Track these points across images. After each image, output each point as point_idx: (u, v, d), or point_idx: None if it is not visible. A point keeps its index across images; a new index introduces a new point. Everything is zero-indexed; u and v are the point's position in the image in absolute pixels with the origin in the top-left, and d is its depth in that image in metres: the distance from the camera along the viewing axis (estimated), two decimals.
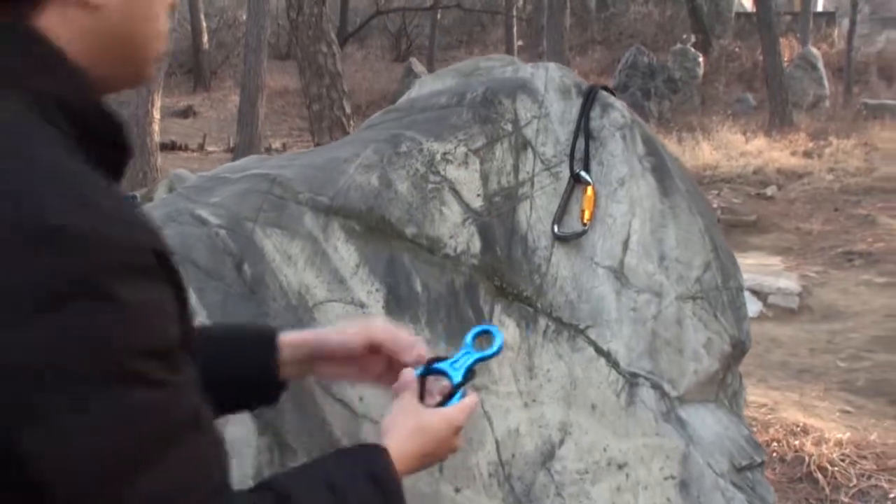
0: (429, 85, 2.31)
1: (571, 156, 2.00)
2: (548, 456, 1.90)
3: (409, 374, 1.36)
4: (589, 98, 2.04)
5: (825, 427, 4.86)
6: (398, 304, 1.89)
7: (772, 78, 19.05)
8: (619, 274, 1.96)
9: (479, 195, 2.00)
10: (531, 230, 1.99)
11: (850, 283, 8.68)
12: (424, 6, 26.57)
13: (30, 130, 0.88)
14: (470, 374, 1.42)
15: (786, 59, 20.83)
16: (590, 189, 1.99)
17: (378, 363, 1.43)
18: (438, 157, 2.01)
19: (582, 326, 1.96)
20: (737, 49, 24.94)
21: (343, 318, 1.85)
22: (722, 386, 2.00)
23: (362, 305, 1.87)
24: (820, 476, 4.34)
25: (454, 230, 1.97)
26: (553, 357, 1.93)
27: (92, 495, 0.82)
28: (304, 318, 1.81)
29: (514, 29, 24.29)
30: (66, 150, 0.88)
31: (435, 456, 1.30)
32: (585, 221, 1.98)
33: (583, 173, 2.00)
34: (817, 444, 4.61)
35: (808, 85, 21.18)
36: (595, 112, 2.05)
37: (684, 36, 23.82)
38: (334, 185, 1.95)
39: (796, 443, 4.63)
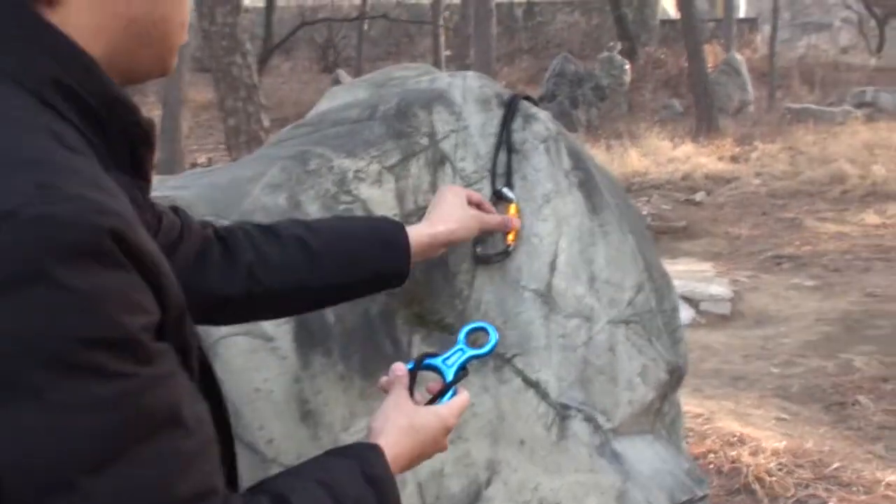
0: (340, 97, 2.16)
1: (493, 171, 1.85)
2: (474, 497, 1.75)
3: (401, 369, 1.36)
4: (510, 109, 1.89)
5: (762, 436, 4.84)
6: (309, 336, 1.74)
7: (697, 84, 19.23)
8: (546, 297, 1.82)
9: (394, 215, 1.84)
10: (451, 252, 1.84)
11: (780, 288, 8.72)
12: (350, 17, 26.34)
13: (6, 113, 0.86)
14: (462, 371, 1.42)
15: (710, 65, 21.06)
16: (513, 207, 1.85)
17: None
18: (350, 175, 1.85)
19: (508, 355, 1.81)
20: (662, 56, 25.19)
21: (248, 353, 1.69)
22: (659, 416, 1.86)
23: (269, 339, 1.72)
24: (758, 487, 4.31)
25: None
26: (478, 390, 1.79)
27: (43, 490, 0.78)
28: (207, 354, 1.64)
29: (442, 39, 24.22)
30: (49, 134, 0.86)
31: (424, 455, 1.30)
32: (509, 242, 1.83)
33: (505, 190, 1.85)
34: (754, 453, 4.58)
35: (733, 90, 21.44)
36: (517, 124, 1.90)
37: (611, 44, 23.96)
38: (238, 206, 1.79)
39: (733, 453, 4.60)
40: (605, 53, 22.52)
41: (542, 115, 1.94)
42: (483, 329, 1.50)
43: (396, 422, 1.26)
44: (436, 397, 1.37)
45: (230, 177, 1.89)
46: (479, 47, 17.00)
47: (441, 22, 24.24)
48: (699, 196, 13.29)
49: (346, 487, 1.09)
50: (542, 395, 1.79)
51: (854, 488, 4.28)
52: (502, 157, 1.87)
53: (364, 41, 26.73)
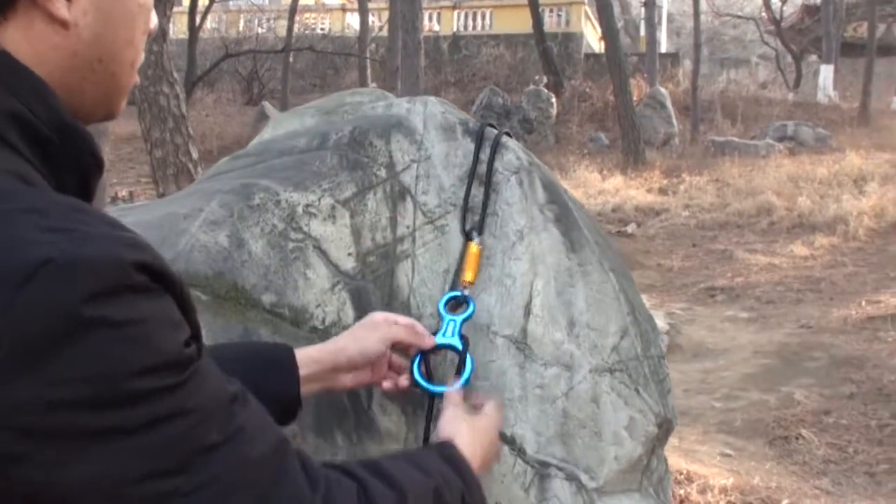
0: (285, 125, 1.97)
1: (464, 208, 1.65)
2: None
3: (451, 390, 1.44)
4: (480, 137, 1.71)
5: (708, 473, 4.78)
6: None
7: (623, 117, 19.40)
8: (521, 344, 1.64)
9: (350, 254, 1.67)
10: (414, 294, 1.66)
11: (715, 320, 8.69)
12: (276, 49, 26.06)
13: None
14: (465, 339, 1.50)
15: (635, 98, 21.28)
16: (473, 245, 1.65)
17: (385, 362, 1.47)
18: (300, 210, 1.68)
19: None
20: (588, 89, 25.43)
21: None
22: (646, 472, 1.69)
23: None
24: None
25: (321, 297, 1.64)
26: None
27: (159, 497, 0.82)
28: None
29: (368, 71, 24.11)
30: (14, 175, 0.83)
31: (489, 456, 1.35)
32: (466, 283, 1.62)
33: (473, 234, 1.65)
34: (702, 491, 4.53)
35: (659, 123, 21.69)
36: (486, 154, 1.73)
37: (536, 77, 24.12)
38: (173, 246, 1.61)
39: (681, 492, 4.53)
40: (532, 86, 22.66)
41: (513, 144, 1.77)
42: (455, 298, 1.58)
43: (459, 426, 1.31)
44: (459, 369, 1.48)
45: (163, 213, 1.71)
46: (407, 80, 16.85)
47: (368, 54, 24.14)
48: (630, 228, 13.33)
49: (430, 464, 1.14)
50: (519, 451, 1.62)
51: None
52: (473, 191, 1.68)
53: (290, 73, 26.49)
